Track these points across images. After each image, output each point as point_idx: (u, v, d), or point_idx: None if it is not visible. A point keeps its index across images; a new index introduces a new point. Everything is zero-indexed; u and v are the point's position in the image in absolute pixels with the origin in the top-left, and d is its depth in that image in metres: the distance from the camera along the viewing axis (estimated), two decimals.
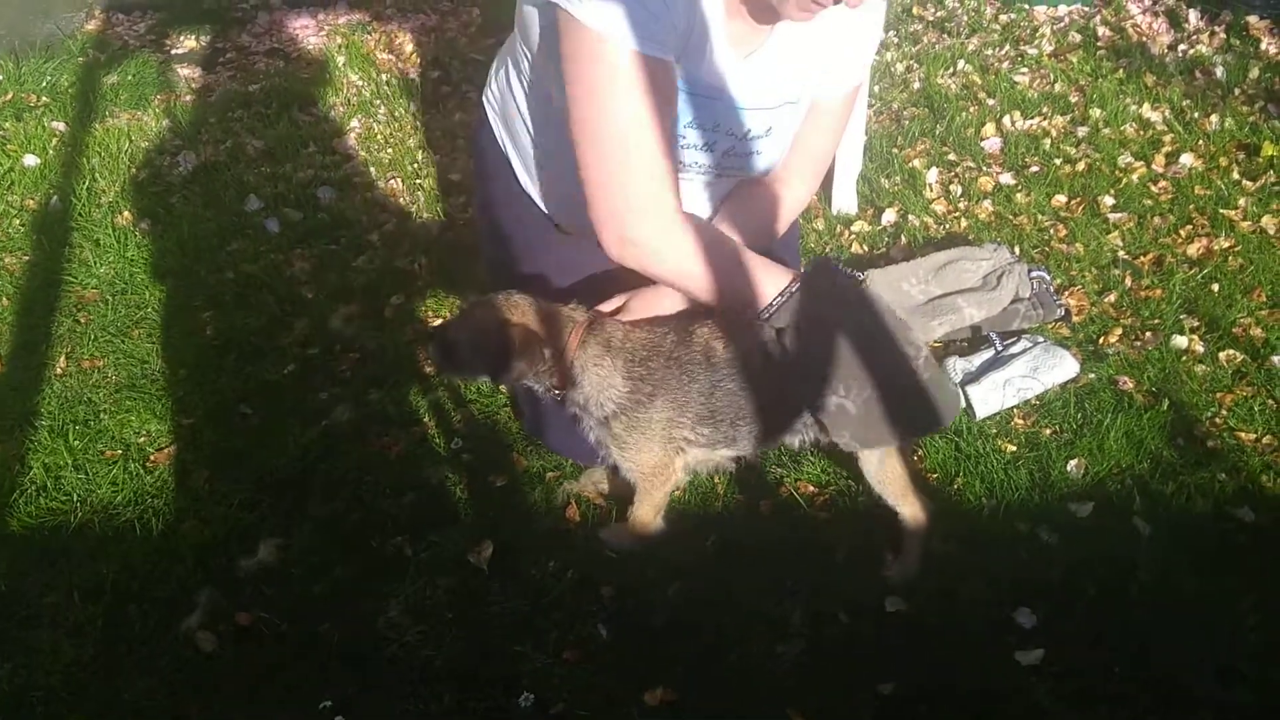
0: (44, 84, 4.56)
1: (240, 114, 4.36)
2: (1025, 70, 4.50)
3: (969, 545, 2.35)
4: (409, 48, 4.94)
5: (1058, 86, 4.34)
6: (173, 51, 5.01)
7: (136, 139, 4.15)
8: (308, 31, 5.13)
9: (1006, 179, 3.72)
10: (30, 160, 3.98)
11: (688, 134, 2.05)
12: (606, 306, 2.19)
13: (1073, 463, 2.55)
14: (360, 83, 4.61)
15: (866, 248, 3.43)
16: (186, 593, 2.30)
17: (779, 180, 2.25)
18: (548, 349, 2.07)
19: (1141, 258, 3.27)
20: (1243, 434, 2.61)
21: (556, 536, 2.44)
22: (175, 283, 3.35)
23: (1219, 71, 4.31)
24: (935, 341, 2.97)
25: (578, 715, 2.05)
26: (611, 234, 1.94)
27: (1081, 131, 3.99)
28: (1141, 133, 3.96)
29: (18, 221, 3.68)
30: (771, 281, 2.01)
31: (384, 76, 4.66)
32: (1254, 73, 4.28)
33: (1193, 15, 4.83)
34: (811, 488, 2.53)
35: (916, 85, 4.41)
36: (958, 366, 2.82)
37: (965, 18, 5.05)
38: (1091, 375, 2.80)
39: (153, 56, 4.86)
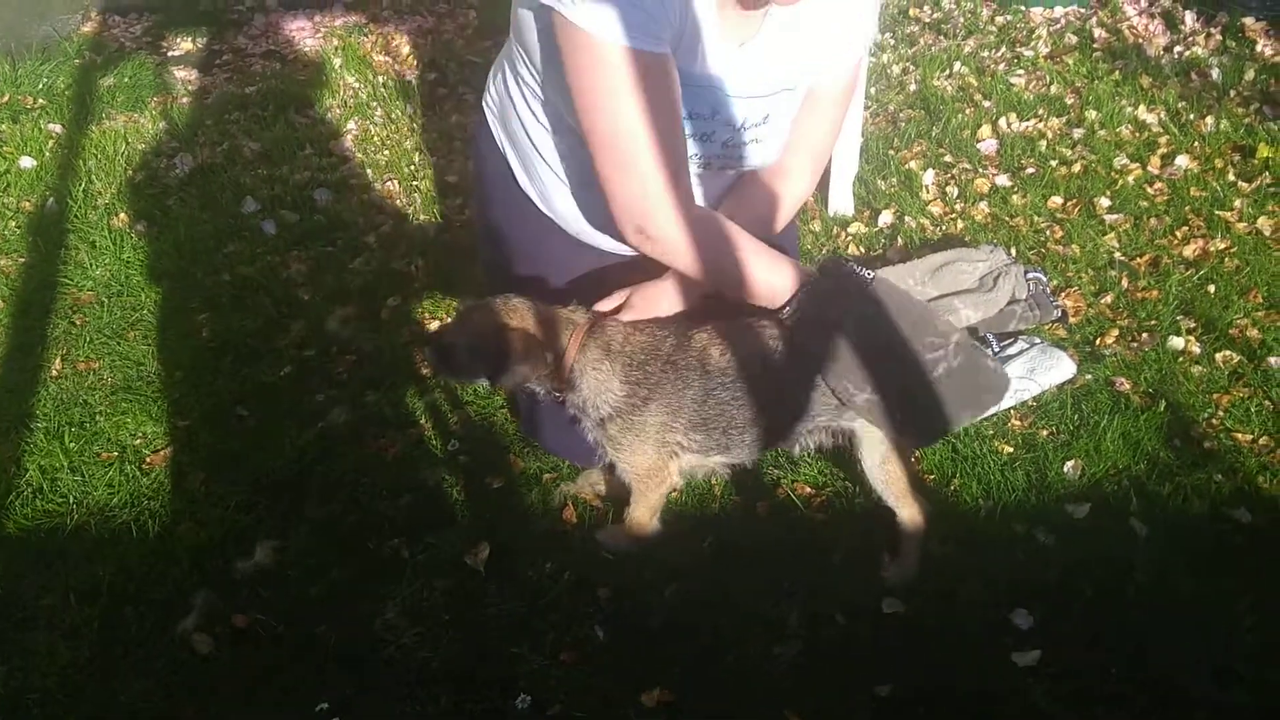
0: (40, 86, 4.55)
1: (237, 116, 4.36)
2: (1021, 72, 4.50)
3: (966, 546, 2.35)
4: (405, 50, 4.94)
5: (1054, 88, 4.35)
6: (169, 54, 5.01)
7: (133, 141, 4.15)
8: (304, 34, 5.13)
9: (1003, 181, 3.73)
10: (26, 162, 3.97)
11: (688, 125, 2.05)
12: (608, 303, 2.19)
13: (1070, 464, 2.55)
14: (357, 85, 4.61)
15: (863, 249, 3.43)
16: (183, 595, 2.29)
17: (779, 174, 2.25)
18: (548, 352, 2.07)
19: (1138, 259, 3.27)
20: (1239, 435, 2.61)
21: (553, 538, 2.44)
22: (171, 285, 3.35)
23: (1215, 73, 4.31)
24: None
25: (575, 717, 2.05)
26: (629, 228, 1.99)
27: (1077, 133, 3.99)
28: (1137, 134, 3.96)
29: (14, 223, 3.67)
30: (790, 274, 2.03)
31: (380, 79, 4.66)
32: (1250, 74, 4.29)
33: (1189, 17, 4.84)
34: (808, 489, 2.53)
35: (913, 87, 4.42)
36: None
37: (961, 20, 5.06)
38: (1088, 376, 2.81)
39: (149, 59, 4.86)
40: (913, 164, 3.85)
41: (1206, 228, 3.40)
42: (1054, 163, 3.81)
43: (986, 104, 4.25)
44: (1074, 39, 4.77)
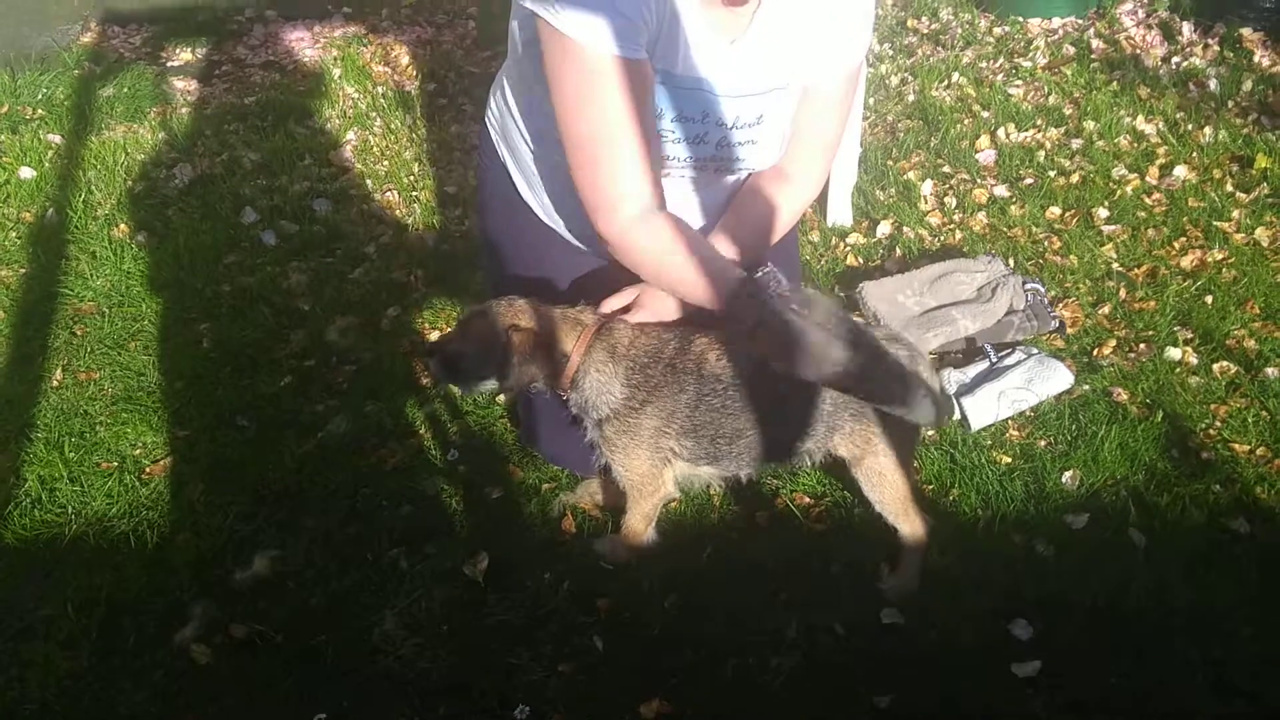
0: (40, 96, 4.56)
1: (236, 126, 4.37)
2: (1019, 83, 4.52)
3: (965, 557, 2.35)
4: (405, 60, 4.95)
5: (1052, 99, 4.36)
6: (169, 64, 5.02)
7: (133, 151, 4.15)
8: (304, 44, 5.15)
9: (1001, 191, 3.74)
10: (26, 173, 3.98)
11: (673, 128, 2.05)
12: (616, 300, 2.18)
13: (1068, 474, 2.55)
14: (356, 95, 4.62)
15: (861, 260, 3.44)
16: (181, 605, 2.29)
17: (783, 177, 2.24)
18: (553, 352, 2.07)
19: (1135, 270, 3.28)
20: (1237, 445, 2.62)
21: (552, 548, 2.44)
22: (172, 295, 3.35)
23: (1212, 84, 4.32)
24: (930, 353, 2.97)
25: None
26: (598, 226, 2.00)
27: (1075, 144, 4.00)
28: (1135, 145, 3.98)
29: (14, 234, 3.68)
30: (734, 284, 1.98)
31: (380, 89, 4.67)
32: (1247, 85, 4.30)
33: (1186, 28, 4.85)
34: (807, 499, 2.53)
35: (911, 98, 4.43)
36: (953, 378, 2.83)
37: (959, 31, 5.08)
38: (1086, 387, 2.81)
39: (149, 69, 4.87)
40: (911, 174, 3.86)
41: (1204, 238, 3.41)
42: (1052, 173, 3.82)
43: (985, 114, 4.26)
44: (1072, 50, 4.78)
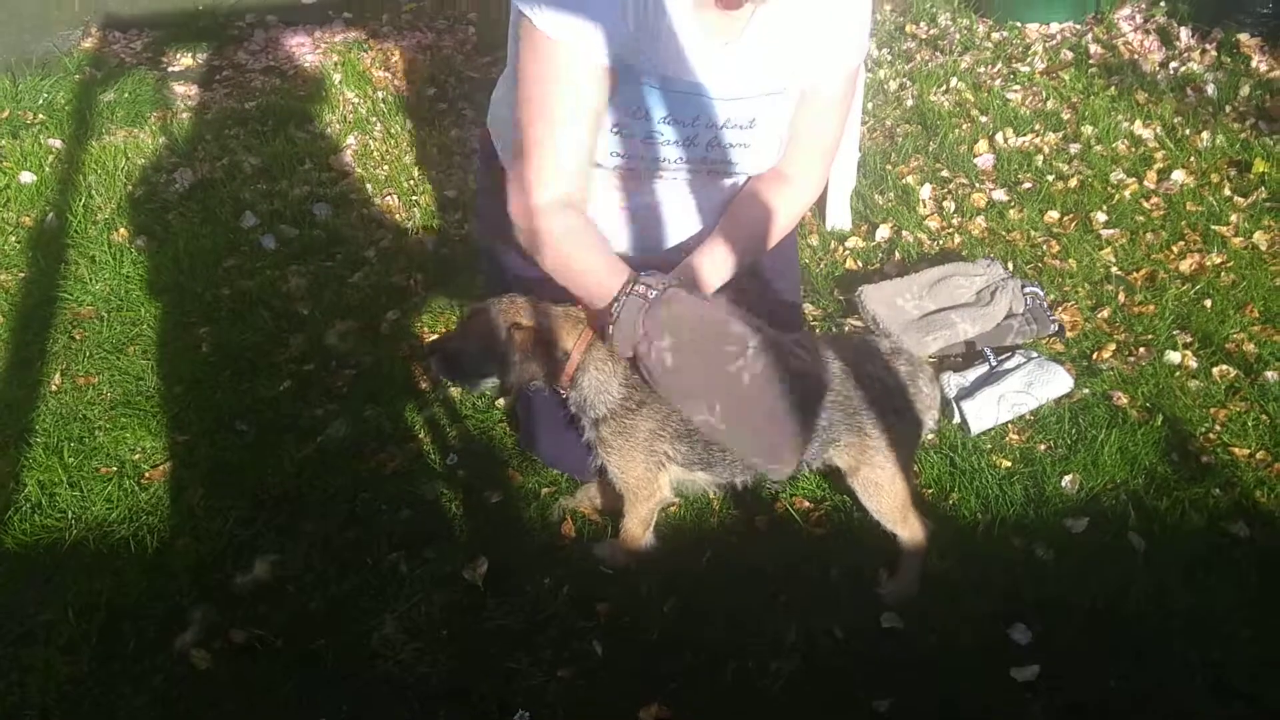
0: (41, 101, 4.57)
1: (236, 131, 4.38)
2: (1018, 88, 4.53)
3: (964, 561, 2.35)
4: (405, 65, 4.96)
5: (1050, 104, 4.37)
6: (169, 69, 5.03)
7: (133, 156, 4.16)
8: (304, 49, 5.15)
9: (999, 195, 3.74)
10: (27, 177, 3.98)
11: (664, 130, 2.06)
12: None
13: (1067, 478, 2.55)
14: (356, 100, 4.63)
15: (861, 264, 3.44)
16: (181, 610, 2.29)
17: (782, 180, 2.24)
18: (554, 349, 2.07)
19: (1134, 273, 3.28)
20: (1236, 449, 2.62)
21: (552, 553, 2.44)
22: (171, 299, 3.35)
23: (1210, 89, 4.34)
24: (930, 356, 2.98)
25: None
26: (516, 202, 2.02)
27: (1074, 148, 4.01)
28: (1133, 149, 3.98)
29: (14, 238, 3.68)
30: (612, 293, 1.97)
31: (380, 94, 4.68)
32: (1245, 90, 4.31)
33: (1184, 33, 4.86)
34: (807, 504, 2.53)
35: (910, 102, 4.44)
36: (952, 381, 2.83)
37: (958, 36, 5.09)
38: (1085, 390, 2.81)
39: (149, 74, 4.88)
40: (910, 179, 3.86)
41: (1203, 242, 3.41)
42: (1050, 177, 3.82)
43: (983, 119, 4.27)
44: (1070, 54, 4.79)
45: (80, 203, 3.83)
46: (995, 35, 5.08)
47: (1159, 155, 3.92)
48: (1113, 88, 4.44)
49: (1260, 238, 3.39)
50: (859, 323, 3.10)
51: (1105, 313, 3.12)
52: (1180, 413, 2.72)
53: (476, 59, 5.01)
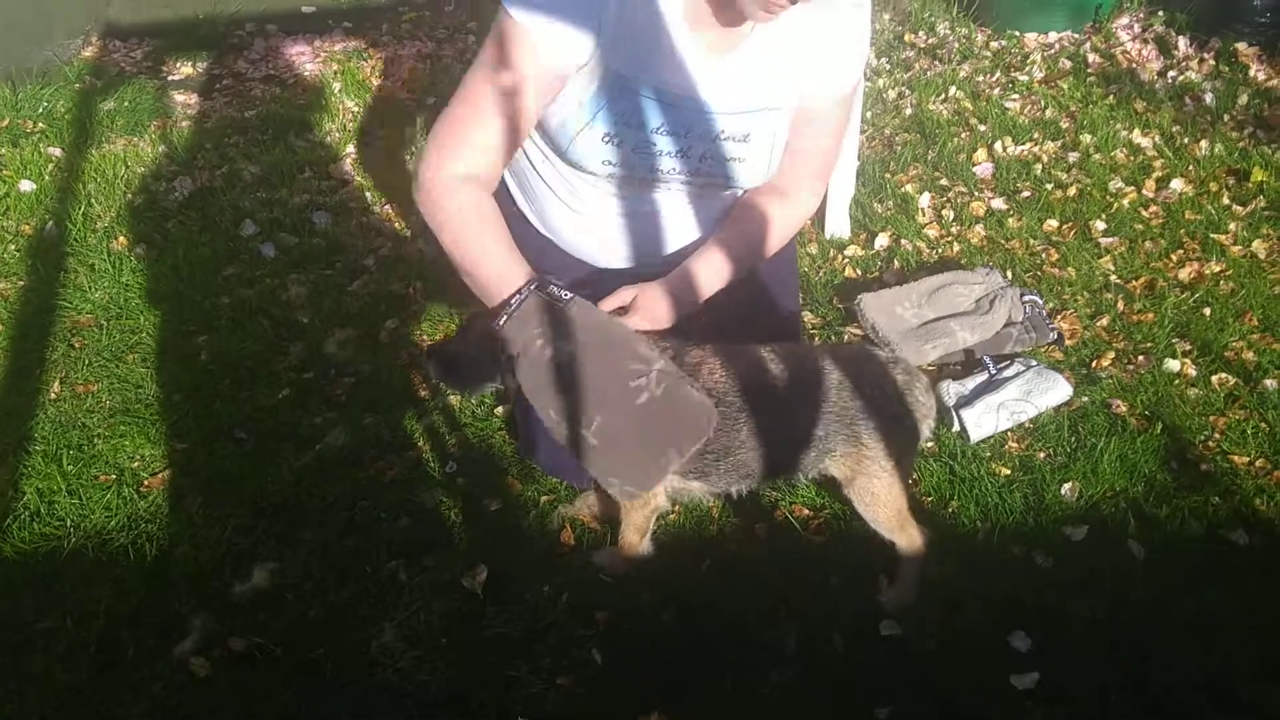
0: (40, 110, 4.57)
1: (236, 139, 4.38)
2: (1016, 96, 4.54)
3: (964, 569, 2.35)
4: (405, 74, 4.97)
5: (1049, 112, 4.38)
6: (169, 78, 5.03)
7: (133, 164, 4.16)
8: (304, 58, 5.16)
9: (998, 204, 3.75)
10: (26, 186, 3.98)
11: (659, 140, 2.07)
12: (612, 302, 2.15)
13: (1067, 486, 2.55)
14: (356, 109, 4.63)
15: (860, 272, 3.45)
16: (180, 618, 2.29)
17: (778, 194, 2.26)
18: None
19: (1133, 282, 3.29)
20: (1236, 457, 2.62)
21: (551, 561, 2.43)
22: (170, 307, 3.35)
23: (1208, 97, 4.35)
24: (929, 364, 2.98)
25: None
26: (425, 167, 2.03)
27: (1072, 157, 4.02)
28: (1132, 158, 3.99)
29: (13, 247, 3.68)
30: (514, 284, 1.97)
31: (379, 103, 4.68)
32: (1243, 99, 4.32)
33: (1182, 42, 4.87)
34: (806, 511, 2.53)
35: (908, 111, 4.45)
36: (951, 390, 2.83)
37: (956, 45, 5.10)
38: (1085, 399, 2.81)
39: (149, 83, 4.88)
40: (909, 187, 3.87)
41: (1201, 251, 3.42)
42: (1049, 186, 3.83)
43: (982, 128, 4.28)
44: (1068, 63, 4.80)
45: (80, 211, 3.83)
46: (994, 44, 5.09)
47: (1157, 164, 3.92)
48: (1111, 96, 4.45)
49: (1259, 246, 3.40)
50: (858, 331, 3.11)
51: (1104, 321, 3.12)
52: (1179, 421, 2.72)
53: None
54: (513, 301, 1.93)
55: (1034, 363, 2.89)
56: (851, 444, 2.11)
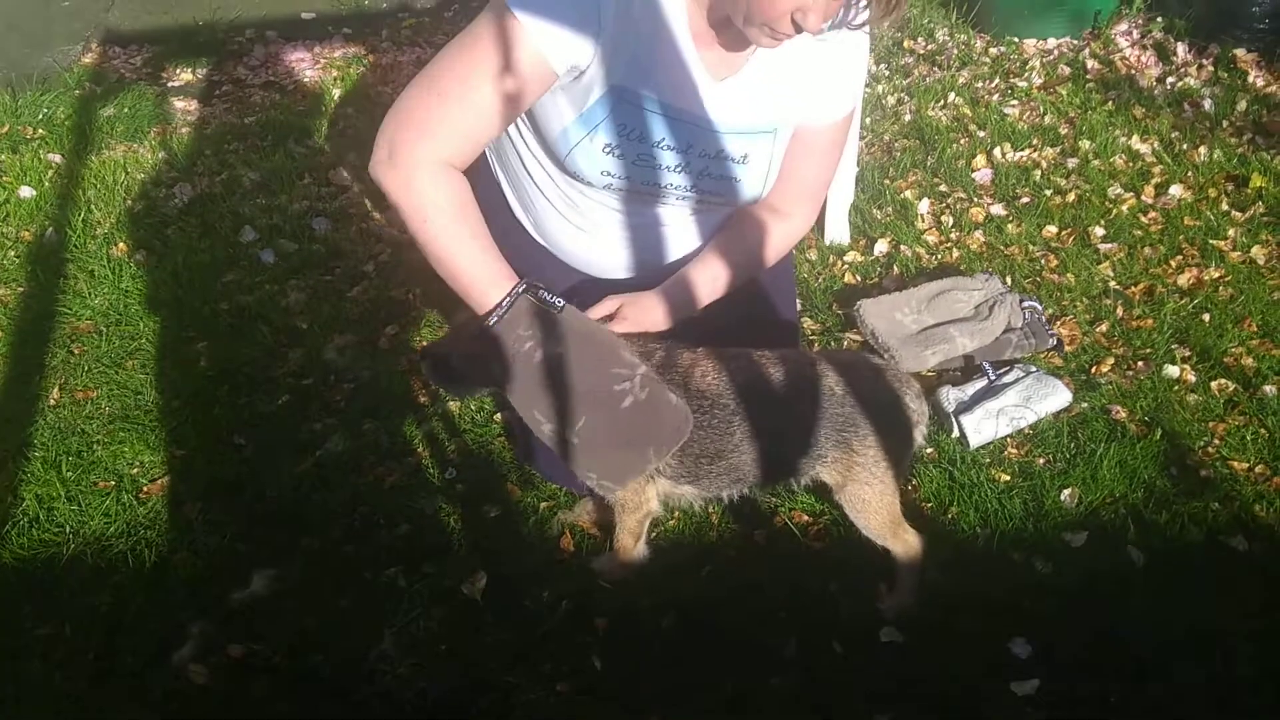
0: (40, 116, 4.57)
1: (236, 146, 4.38)
2: (1015, 103, 4.54)
3: (963, 575, 2.35)
4: (404, 80, 4.97)
5: (1047, 118, 4.38)
6: (169, 84, 5.04)
7: (132, 171, 4.16)
8: (304, 64, 5.17)
9: (997, 210, 3.75)
10: (26, 192, 3.98)
11: (660, 154, 2.07)
12: (598, 310, 2.16)
13: (1066, 492, 2.55)
14: (355, 115, 4.63)
15: (859, 278, 3.45)
16: (179, 625, 2.28)
17: (772, 211, 2.27)
18: None
19: (1132, 288, 3.29)
20: (1235, 463, 2.62)
21: (550, 567, 2.43)
22: (170, 314, 3.35)
23: (1207, 104, 4.35)
24: (929, 370, 2.98)
25: None
26: (383, 153, 1.94)
27: (1071, 163, 4.02)
28: (1131, 164, 3.99)
29: (13, 253, 3.68)
30: (503, 286, 1.96)
31: (379, 109, 4.69)
32: (1242, 105, 4.32)
33: (1181, 48, 4.88)
34: (806, 517, 2.53)
35: (908, 117, 4.45)
36: (951, 395, 2.83)
37: (955, 51, 5.10)
38: (1084, 405, 2.82)
39: (149, 89, 4.88)
40: (908, 193, 3.87)
41: (1201, 257, 3.42)
42: (1048, 192, 3.83)
43: (981, 134, 4.28)
44: (1067, 70, 4.81)
45: (79, 217, 3.83)
46: (993, 51, 5.09)
47: (1156, 170, 3.93)
48: (1110, 103, 4.46)
49: (1258, 252, 3.40)
50: (857, 337, 3.11)
51: (1104, 327, 3.12)
52: (1179, 427, 2.72)
53: None
54: (504, 303, 1.93)
55: (1033, 368, 2.89)
56: (842, 450, 2.11)
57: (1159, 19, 5.17)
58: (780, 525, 2.52)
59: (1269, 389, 2.82)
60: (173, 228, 3.79)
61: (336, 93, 4.81)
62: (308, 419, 2.89)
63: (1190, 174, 3.88)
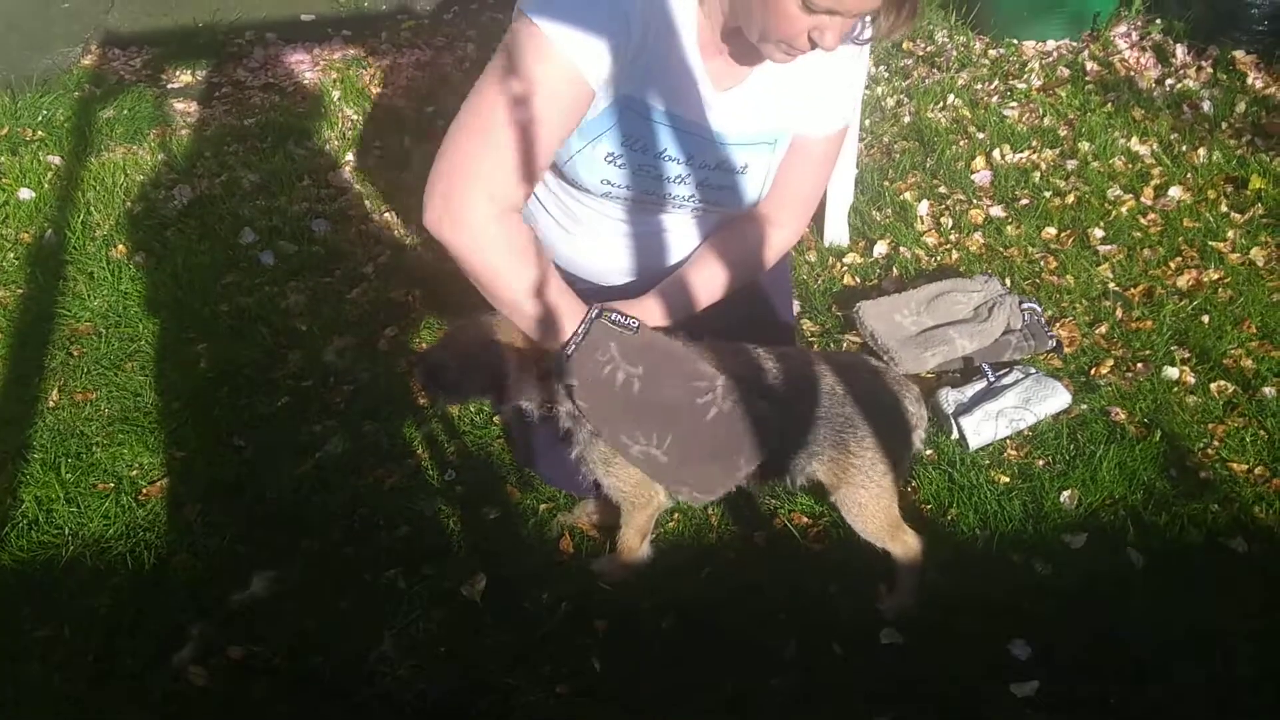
0: (40, 118, 4.57)
1: (235, 147, 4.38)
2: (1014, 104, 4.54)
3: (963, 576, 2.35)
4: (404, 82, 4.97)
5: (1047, 120, 4.38)
6: (168, 86, 5.04)
7: (132, 172, 4.16)
8: (303, 66, 5.17)
9: (997, 212, 3.75)
10: (25, 194, 3.99)
11: (667, 166, 2.07)
12: None
13: (1066, 494, 2.55)
14: (355, 117, 4.64)
15: (859, 279, 3.45)
16: (179, 627, 2.28)
17: (763, 218, 2.28)
18: (538, 367, 2.06)
19: (1132, 289, 3.29)
20: (1235, 465, 2.62)
21: (550, 569, 2.43)
22: (169, 315, 3.35)
23: (1206, 105, 4.35)
24: (928, 372, 2.98)
25: None
26: (438, 208, 1.88)
27: (1071, 164, 4.02)
28: (1130, 166, 4.00)
29: (12, 255, 3.68)
30: (573, 314, 1.95)
31: (379, 111, 4.69)
32: (1241, 106, 4.32)
33: (1180, 50, 4.88)
34: (805, 519, 2.53)
35: (907, 119, 4.45)
36: (950, 397, 2.83)
37: (955, 53, 5.10)
38: (1083, 406, 2.82)
39: (148, 91, 4.88)
40: (907, 195, 3.87)
41: (1200, 258, 3.42)
42: (1048, 194, 3.83)
43: (980, 136, 4.28)
44: (1066, 71, 4.81)
45: (79, 219, 3.83)
46: (992, 52, 5.09)
47: (1156, 171, 3.93)
48: (1109, 104, 4.46)
49: (1257, 254, 3.40)
50: (857, 339, 3.11)
51: (1103, 328, 3.12)
52: (1178, 428, 2.73)
53: (474, 76, 5.01)
54: (579, 331, 1.93)
55: (1033, 370, 2.89)
56: (838, 450, 2.10)
57: (1158, 21, 5.17)
58: (780, 527, 2.52)
59: (1268, 391, 2.82)
60: (172, 229, 3.79)
61: (336, 95, 4.81)
62: (307, 421, 2.89)
63: (1189, 176, 3.88)
